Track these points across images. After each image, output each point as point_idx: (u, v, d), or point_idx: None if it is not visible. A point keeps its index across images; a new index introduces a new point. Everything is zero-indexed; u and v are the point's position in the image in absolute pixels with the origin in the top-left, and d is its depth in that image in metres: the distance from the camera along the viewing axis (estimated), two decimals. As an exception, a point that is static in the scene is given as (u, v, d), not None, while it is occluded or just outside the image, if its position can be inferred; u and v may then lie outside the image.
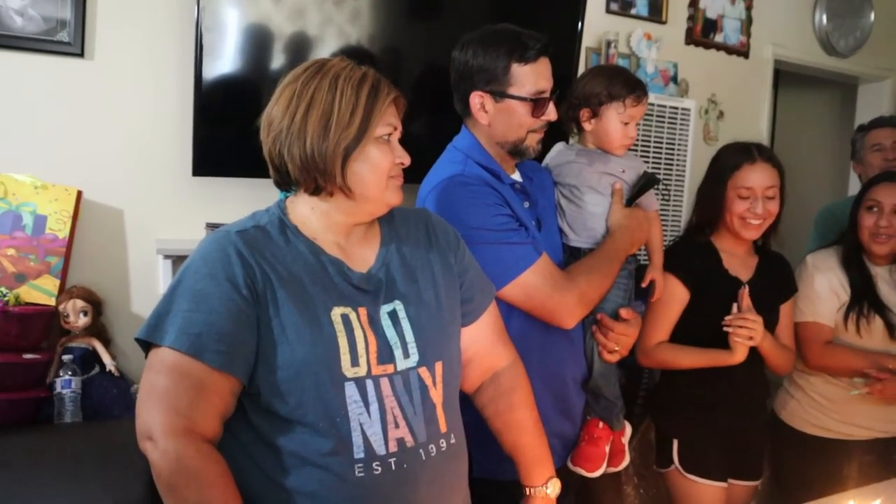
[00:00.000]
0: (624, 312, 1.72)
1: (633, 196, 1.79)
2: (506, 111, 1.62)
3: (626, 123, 1.76)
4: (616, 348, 1.72)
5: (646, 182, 1.78)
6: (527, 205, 1.69)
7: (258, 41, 2.28)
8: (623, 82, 1.75)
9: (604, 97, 1.74)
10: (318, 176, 1.20)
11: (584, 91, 1.77)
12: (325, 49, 2.36)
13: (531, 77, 1.61)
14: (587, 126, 1.79)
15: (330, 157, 1.18)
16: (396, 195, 1.26)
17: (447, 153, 1.71)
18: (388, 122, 1.22)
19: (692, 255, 2.01)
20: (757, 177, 1.96)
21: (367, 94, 1.19)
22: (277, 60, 2.31)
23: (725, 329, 1.90)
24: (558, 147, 1.87)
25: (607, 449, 1.74)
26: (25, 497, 1.68)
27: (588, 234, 1.76)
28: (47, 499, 1.69)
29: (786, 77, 4.23)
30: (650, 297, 1.91)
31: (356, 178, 1.20)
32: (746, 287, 1.94)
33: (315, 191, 1.23)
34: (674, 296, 1.97)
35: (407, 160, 1.25)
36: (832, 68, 3.91)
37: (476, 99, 1.64)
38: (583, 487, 1.79)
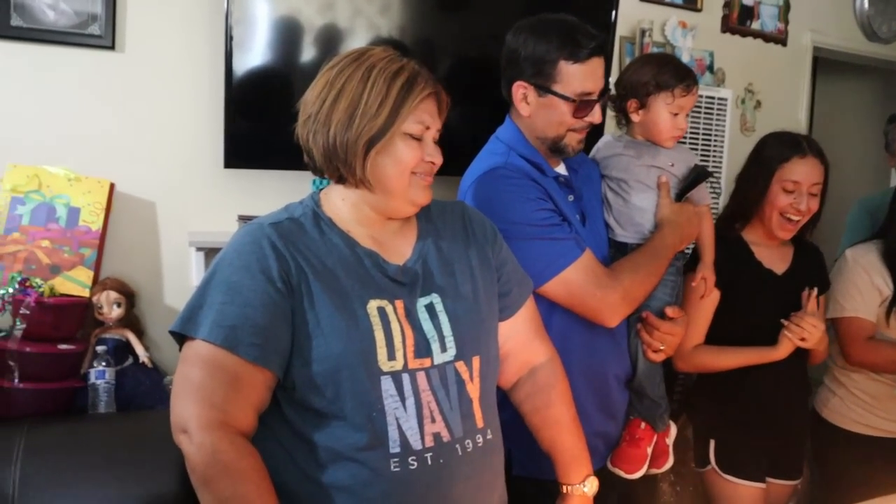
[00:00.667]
0: (670, 311, 1.68)
1: (683, 190, 1.74)
2: (548, 106, 1.58)
3: (676, 114, 1.70)
4: (661, 347, 1.68)
5: (696, 176, 1.73)
6: (571, 198, 1.65)
7: (288, 33, 2.27)
8: (672, 71, 1.69)
9: (652, 87, 1.69)
10: (340, 165, 1.19)
11: (631, 81, 1.72)
12: (355, 41, 2.34)
13: (579, 77, 1.55)
14: (635, 117, 1.73)
15: (352, 148, 1.17)
16: (422, 194, 1.23)
17: (490, 144, 1.68)
18: (419, 120, 1.18)
19: (721, 252, 1.91)
20: (805, 171, 1.89)
21: (399, 88, 1.16)
22: (307, 53, 2.30)
23: (784, 322, 1.84)
24: (606, 138, 1.82)
25: (649, 450, 1.70)
26: (61, 485, 1.71)
27: (635, 230, 1.71)
28: (82, 488, 1.72)
29: (825, 65, 4.12)
30: (698, 295, 1.84)
31: (378, 172, 1.18)
32: (815, 290, 1.89)
33: (339, 180, 1.22)
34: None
35: (437, 159, 1.22)
36: (873, 55, 3.81)
37: (519, 89, 1.60)
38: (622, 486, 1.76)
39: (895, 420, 2.10)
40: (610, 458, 1.71)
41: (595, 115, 1.59)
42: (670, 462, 1.78)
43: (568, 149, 1.62)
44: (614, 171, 1.74)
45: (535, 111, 1.60)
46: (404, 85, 1.17)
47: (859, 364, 2.10)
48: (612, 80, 1.90)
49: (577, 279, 1.53)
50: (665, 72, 1.69)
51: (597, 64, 1.57)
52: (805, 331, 1.83)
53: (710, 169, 3.13)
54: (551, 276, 1.52)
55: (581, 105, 1.56)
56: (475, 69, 2.62)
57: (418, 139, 1.19)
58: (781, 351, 1.86)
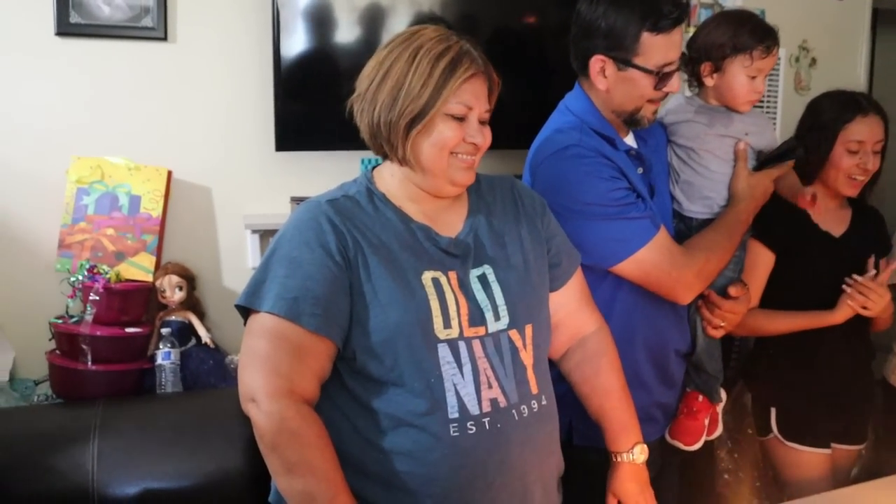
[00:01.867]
0: (733, 290, 1.64)
1: (766, 162, 1.65)
2: (627, 80, 1.52)
3: (754, 77, 1.61)
4: (722, 324, 1.65)
5: (786, 151, 1.64)
6: (640, 171, 1.60)
7: (332, 15, 2.29)
8: (750, 31, 1.59)
9: (728, 49, 1.60)
10: (384, 143, 1.22)
11: (705, 42, 1.63)
12: (398, 19, 2.35)
13: (662, 48, 1.48)
14: (709, 81, 1.65)
15: (394, 128, 1.19)
16: (464, 175, 1.23)
17: (559, 114, 1.62)
18: (461, 100, 1.18)
19: (776, 214, 1.84)
20: (868, 129, 1.82)
21: (442, 69, 1.17)
22: (352, 33, 2.32)
23: (845, 288, 1.80)
24: (677, 100, 1.72)
25: (706, 422, 1.69)
26: (134, 461, 1.79)
27: (703, 203, 1.65)
28: (154, 463, 1.79)
29: (885, 17, 3.94)
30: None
31: (419, 151, 1.20)
32: (873, 257, 1.84)
33: (385, 157, 1.25)
34: (758, 260, 1.88)
35: (480, 140, 1.22)
36: (938, 5, 3.62)
37: (597, 63, 1.53)
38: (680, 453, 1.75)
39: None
40: (668, 430, 1.70)
41: (674, 85, 1.53)
42: (720, 430, 1.77)
43: (644, 120, 1.57)
44: (683, 138, 1.67)
45: (613, 85, 1.53)
46: (448, 65, 1.17)
47: None
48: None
49: (652, 258, 1.50)
50: (743, 32, 1.59)
51: (679, 32, 1.50)
52: (869, 299, 1.78)
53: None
54: (626, 256, 1.50)
55: (663, 77, 1.50)
56: (518, 41, 2.60)
57: (461, 119, 1.20)
58: (839, 316, 1.81)
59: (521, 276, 1.27)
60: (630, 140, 1.63)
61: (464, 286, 1.22)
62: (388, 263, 1.18)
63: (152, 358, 2.08)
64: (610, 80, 1.53)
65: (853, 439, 1.99)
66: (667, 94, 1.55)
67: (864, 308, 1.80)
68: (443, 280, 1.20)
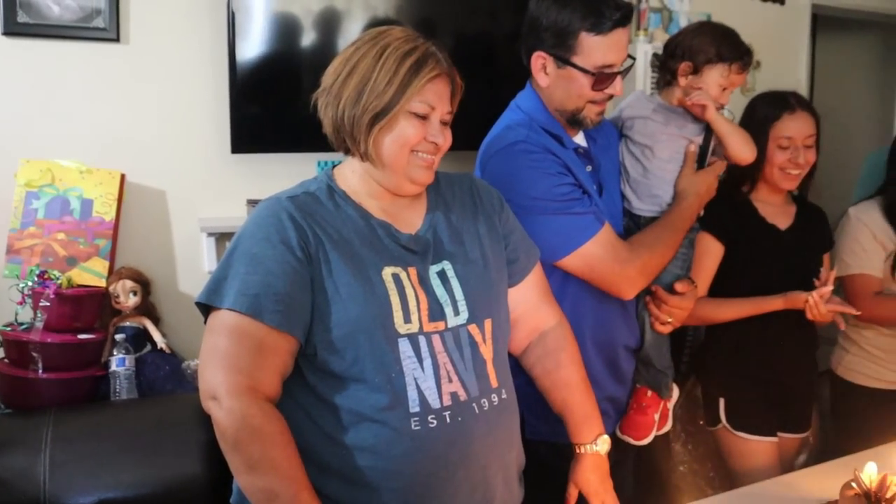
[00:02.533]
0: (679, 286, 1.68)
1: (703, 156, 1.71)
2: (566, 79, 1.55)
3: (724, 89, 1.67)
4: (669, 320, 1.69)
5: (718, 144, 1.71)
6: (589, 168, 1.64)
7: (288, 18, 2.29)
8: (734, 45, 1.66)
9: (712, 55, 1.65)
10: (346, 138, 1.23)
11: (690, 44, 1.68)
12: (353, 23, 2.36)
13: (601, 50, 1.50)
14: (682, 80, 1.69)
15: (357, 123, 1.20)
16: (423, 173, 1.25)
17: (509, 112, 1.65)
18: (425, 100, 1.21)
19: (725, 208, 1.95)
20: (797, 126, 1.91)
21: (408, 68, 1.19)
22: (308, 36, 2.32)
23: (809, 299, 1.84)
24: (636, 95, 1.77)
25: (656, 417, 1.72)
26: (89, 470, 1.75)
27: (652, 201, 1.70)
28: (109, 472, 1.76)
29: (824, 22, 4.09)
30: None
31: (380, 147, 1.22)
32: (832, 272, 1.90)
33: (346, 152, 1.27)
34: (708, 251, 1.94)
35: (441, 141, 1.24)
36: (873, 9, 3.77)
37: (538, 60, 1.57)
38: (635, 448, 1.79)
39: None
40: (619, 425, 1.73)
41: (615, 88, 1.55)
42: (669, 425, 1.81)
43: (586, 121, 1.59)
44: (638, 134, 1.70)
45: (553, 82, 1.57)
46: (413, 65, 1.19)
47: (868, 319, 2.12)
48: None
49: (596, 253, 1.53)
50: (728, 44, 1.66)
51: (620, 35, 1.51)
52: (822, 316, 1.85)
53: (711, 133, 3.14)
54: (571, 251, 1.53)
55: (601, 78, 1.52)
56: (474, 46, 2.63)
57: (423, 119, 1.22)
58: (780, 302, 1.88)
59: (479, 271, 1.29)
60: (580, 139, 1.66)
61: (423, 281, 1.23)
62: (348, 259, 1.19)
63: (106, 365, 2.05)
64: (551, 77, 1.57)
65: (798, 427, 2.07)
66: (610, 97, 1.58)
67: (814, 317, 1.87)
68: (402, 275, 1.22)
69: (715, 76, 1.66)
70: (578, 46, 1.51)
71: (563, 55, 1.53)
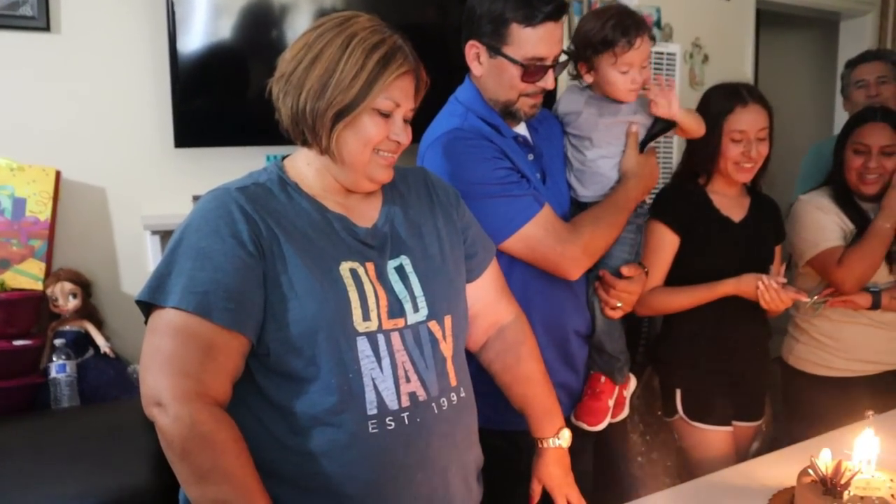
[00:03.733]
0: (626, 269, 1.68)
1: (646, 141, 1.72)
2: (498, 69, 1.56)
3: (626, 71, 1.64)
4: (618, 305, 1.70)
5: (663, 127, 1.72)
6: (530, 157, 1.64)
7: (231, 7, 2.22)
8: (612, 27, 1.62)
9: (591, 50, 1.64)
10: (307, 131, 1.17)
11: (577, 42, 1.68)
12: (298, 14, 2.31)
13: (531, 42, 1.51)
14: (588, 79, 1.70)
15: (320, 117, 1.15)
16: (382, 172, 1.21)
17: (448, 105, 1.65)
18: (390, 96, 1.16)
19: (680, 200, 1.98)
20: (750, 119, 1.92)
21: (375, 62, 1.14)
22: (252, 28, 2.26)
23: (760, 282, 1.86)
24: (567, 91, 1.77)
25: (611, 403, 1.73)
26: (29, 485, 1.67)
27: (597, 188, 1.70)
28: (52, 485, 1.68)
29: (767, 17, 4.19)
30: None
31: (342, 144, 1.17)
32: (783, 265, 1.92)
33: (304, 143, 1.21)
34: (663, 241, 1.95)
35: (403, 139, 1.20)
36: (813, 5, 3.88)
37: (472, 49, 1.57)
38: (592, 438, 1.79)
39: (855, 359, 2.18)
40: (573, 412, 1.73)
41: (548, 81, 1.56)
42: (626, 412, 1.82)
43: (520, 113, 1.60)
44: (576, 128, 1.71)
45: (486, 72, 1.58)
46: (381, 59, 1.14)
47: (854, 283, 2.10)
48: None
49: (536, 234, 1.54)
50: (604, 29, 1.61)
51: (551, 28, 1.52)
52: (774, 302, 1.86)
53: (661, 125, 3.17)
54: (511, 233, 1.53)
55: (531, 70, 1.53)
56: (423, 38, 2.58)
57: (387, 116, 1.18)
58: (731, 285, 1.90)
59: (438, 266, 1.26)
60: (520, 128, 1.66)
61: (381, 277, 1.19)
62: (304, 253, 1.13)
63: (45, 371, 1.97)
64: (484, 67, 1.58)
65: (752, 416, 2.09)
66: (543, 90, 1.58)
67: (766, 305, 1.89)
68: (360, 271, 1.17)
69: (608, 67, 1.64)
70: (510, 37, 1.52)
71: (495, 45, 1.54)
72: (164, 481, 1.40)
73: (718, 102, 1.97)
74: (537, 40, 1.51)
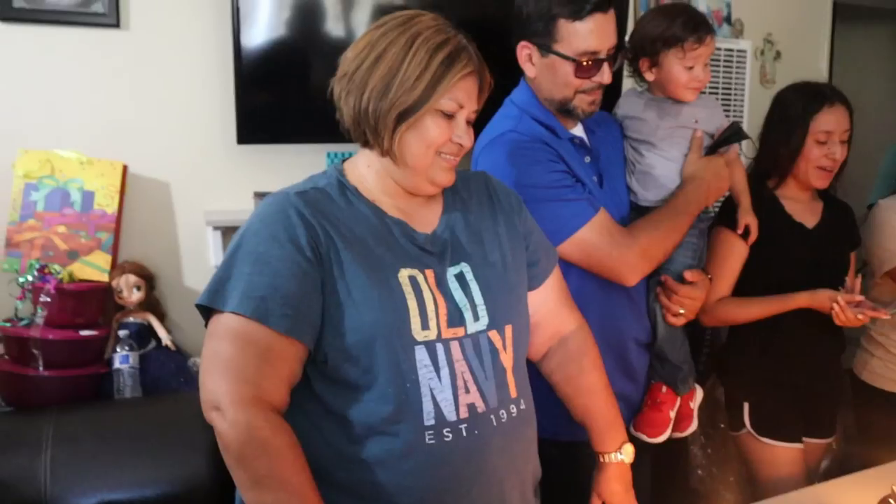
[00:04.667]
0: (689, 275, 1.63)
1: (714, 147, 1.68)
2: (550, 67, 1.53)
3: (691, 67, 1.62)
4: (680, 312, 1.64)
5: (731, 135, 1.67)
6: (587, 160, 1.61)
7: (294, 6, 2.22)
8: (681, 24, 1.61)
9: (661, 44, 1.61)
10: (368, 132, 1.15)
11: (640, 38, 1.66)
12: (360, 9, 2.29)
13: (580, 36, 1.48)
14: (648, 76, 1.67)
15: (383, 118, 1.12)
16: (445, 175, 1.18)
17: (504, 108, 1.63)
18: (454, 97, 1.13)
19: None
20: (835, 119, 1.84)
21: (440, 62, 1.11)
22: (316, 23, 2.25)
23: (836, 303, 1.78)
24: (627, 95, 1.76)
25: (672, 414, 1.68)
26: (91, 471, 1.72)
27: (658, 191, 1.66)
28: (112, 472, 1.72)
29: (844, 11, 4.01)
30: (744, 242, 1.81)
31: (404, 146, 1.14)
32: (859, 277, 1.84)
33: (364, 144, 1.19)
34: (732, 250, 1.87)
35: (466, 142, 1.17)
36: (895, -1, 3.69)
37: (523, 50, 1.56)
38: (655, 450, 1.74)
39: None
40: (633, 422, 1.69)
41: (603, 76, 1.52)
42: (694, 426, 1.75)
43: (577, 111, 1.56)
44: (636, 133, 1.68)
45: (539, 72, 1.55)
46: (445, 59, 1.12)
47: None
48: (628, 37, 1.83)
49: (591, 239, 1.50)
50: (674, 25, 1.61)
51: (601, 21, 1.49)
52: (850, 322, 1.78)
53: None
54: (565, 238, 1.50)
55: (584, 65, 1.50)
56: (485, 34, 2.54)
57: (450, 117, 1.15)
58: (805, 299, 1.81)
59: (499, 274, 1.22)
60: (578, 130, 1.63)
61: (441, 285, 1.16)
62: (362, 259, 1.11)
63: (109, 362, 2.00)
64: (537, 67, 1.56)
65: (823, 433, 2.01)
66: (600, 86, 1.54)
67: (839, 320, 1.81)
68: (420, 278, 1.14)
69: (674, 62, 1.62)
70: (558, 33, 1.50)
71: (545, 43, 1.52)
72: (220, 475, 1.42)
73: (802, 102, 1.89)
74: (587, 34, 1.49)
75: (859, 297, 1.78)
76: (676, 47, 1.60)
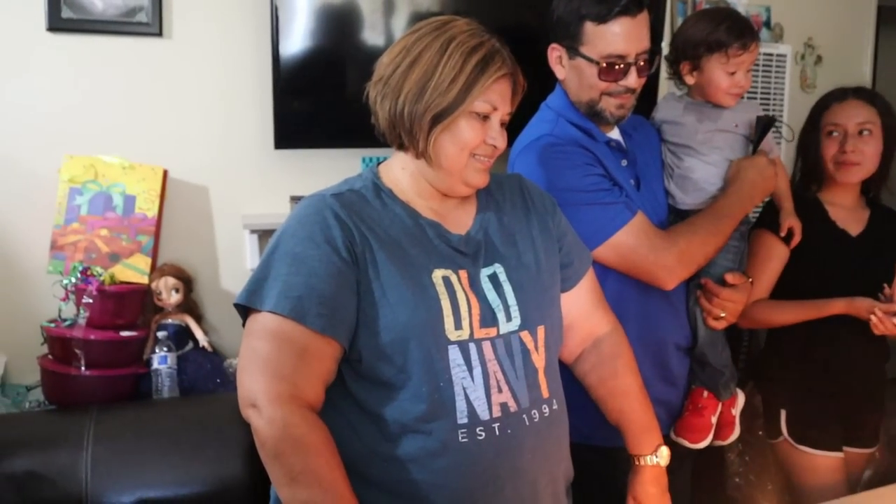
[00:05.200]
0: (730, 277, 1.62)
1: (754, 145, 1.67)
2: (577, 70, 1.54)
3: (734, 73, 1.61)
4: (721, 315, 1.63)
5: (764, 126, 1.65)
6: (624, 163, 1.60)
7: (331, 12, 2.25)
8: (726, 29, 1.60)
9: (704, 48, 1.61)
10: (404, 134, 1.17)
11: (682, 42, 1.65)
12: (396, 17, 2.31)
13: (605, 38, 1.49)
14: (689, 80, 1.67)
15: (418, 120, 1.14)
16: (479, 177, 1.19)
17: (540, 112, 1.64)
18: (488, 100, 1.15)
19: (795, 209, 1.86)
20: (845, 112, 1.84)
21: (474, 65, 1.13)
22: (352, 30, 2.28)
23: (876, 313, 1.74)
24: (665, 98, 1.75)
25: (714, 420, 1.66)
26: (130, 469, 1.75)
27: (698, 195, 1.65)
28: (151, 470, 1.76)
29: (888, 15, 3.92)
30: (786, 246, 1.80)
31: (439, 148, 1.16)
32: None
33: (400, 147, 1.20)
34: (772, 252, 1.85)
35: (500, 143, 1.18)
36: (942, 2, 3.59)
37: (553, 52, 1.57)
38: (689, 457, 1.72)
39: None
40: (673, 428, 1.67)
41: (630, 80, 1.52)
42: (736, 433, 1.73)
43: (605, 114, 1.55)
44: (675, 137, 1.68)
45: (568, 74, 1.56)
46: (480, 62, 1.13)
47: None
48: (666, 42, 1.82)
49: (628, 242, 1.50)
50: (718, 30, 1.60)
51: (628, 24, 1.49)
52: (890, 332, 1.74)
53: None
54: (602, 241, 1.49)
55: (608, 68, 1.50)
56: (519, 39, 2.55)
57: (484, 119, 1.16)
58: (842, 305, 1.78)
59: (532, 275, 1.23)
60: (614, 133, 1.63)
61: (474, 285, 1.17)
62: (397, 260, 1.13)
63: (148, 362, 2.04)
64: (566, 69, 1.57)
65: (865, 442, 1.96)
66: (627, 90, 1.53)
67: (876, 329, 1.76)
68: (453, 279, 1.15)
69: (716, 67, 1.62)
70: (585, 36, 1.51)
71: (573, 46, 1.53)
72: (255, 475, 1.44)
73: (819, 103, 1.92)
74: (612, 37, 1.49)
75: (893, 306, 1.74)
76: (720, 52, 1.60)
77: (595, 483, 1.41)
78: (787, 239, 1.77)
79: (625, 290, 1.55)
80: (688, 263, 1.54)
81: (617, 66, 1.50)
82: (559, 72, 1.58)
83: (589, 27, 1.49)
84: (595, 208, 1.49)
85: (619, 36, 1.49)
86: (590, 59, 1.51)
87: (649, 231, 1.53)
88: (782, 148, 2.93)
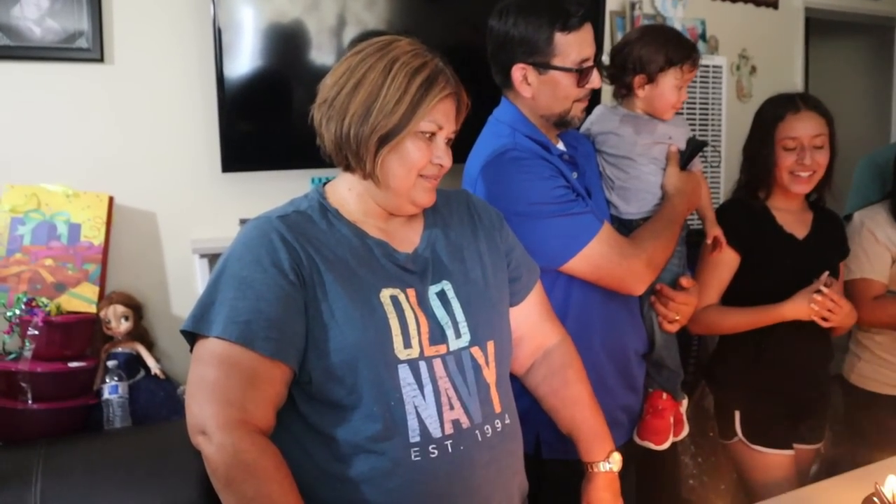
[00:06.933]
0: (684, 281, 1.67)
1: (684, 162, 1.73)
2: (550, 83, 1.56)
3: (680, 88, 1.69)
4: (676, 318, 1.67)
5: (694, 147, 1.73)
6: (576, 175, 1.63)
7: (276, 34, 2.25)
8: (681, 47, 1.68)
9: (662, 63, 1.66)
10: (350, 156, 1.18)
11: (639, 56, 1.68)
12: (343, 38, 2.33)
13: (575, 46, 1.53)
14: (640, 92, 1.71)
15: (364, 142, 1.15)
16: (426, 196, 1.21)
17: (490, 126, 1.65)
18: (434, 119, 1.16)
19: (741, 216, 1.93)
20: (802, 126, 1.87)
21: (418, 85, 1.14)
22: (297, 52, 2.29)
23: (815, 297, 1.81)
24: (599, 110, 1.79)
25: (672, 420, 1.70)
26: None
27: (641, 204, 1.70)
28: (105, 504, 1.70)
29: (817, 25, 4.09)
30: (710, 253, 1.84)
31: (387, 169, 1.17)
32: (826, 273, 1.86)
33: (346, 168, 1.21)
34: (722, 259, 1.90)
35: (446, 162, 1.20)
36: (866, 11, 3.77)
37: (518, 72, 1.57)
38: (642, 459, 1.75)
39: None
40: (636, 431, 1.70)
41: (595, 81, 1.57)
42: (686, 430, 1.78)
43: (574, 120, 1.60)
44: (614, 149, 1.71)
45: (538, 90, 1.57)
46: (424, 82, 1.14)
47: (868, 324, 2.08)
48: (605, 56, 1.87)
49: (601, 251, 1.52)
50: (673, 48, 1.67)
51: (588, 29, 1.55)
52: (832, 312, 1.81)
53: (709, 138, 3.12)
54: (576, 252, 1.51)
55: (583, 74, 1.54)
56: (465, 58, 2.58)
57: (429, 139, 1.18)
58: (788, 310, 1.83)
59: (480, 291, 1.24)
60: (562, 147, 1.66)
61: (423, 303, 1.18)
62: (344, 281, 1.13)
63: (98, 393, 2.00)
64: (534, 86, 1.57)
65: (813, 438, 2.02)
66: (591, 92, 1.58)
67: (823, 319, 1.82)
68: (401, 297, 1.16)
69: (670, 81, 1.68)
70: (556, 48, 1.53)
71: (543, 61, 1.55)
72: (213, 502, 1.41)
73: (770, 111, 1.94)
74: (581, 42, 1.54)
75: (825, 287, 1.81)
76: (676, 68, 1.66)
77: (564, 496, 1.42)
78: (714, 246, 1.82)
79: (590, 301, 1.57)
80: (655, 268, 1.59)
81: (587, 70, 1.55)
82: (525, 90, 1.58)
83: (559, 38, 1.52)
84: (566, 219, 1.51)
85: (587, 41, 1.55)
86: (566, 69, 1.54)
87: (618, 239, 1.56)
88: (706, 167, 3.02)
